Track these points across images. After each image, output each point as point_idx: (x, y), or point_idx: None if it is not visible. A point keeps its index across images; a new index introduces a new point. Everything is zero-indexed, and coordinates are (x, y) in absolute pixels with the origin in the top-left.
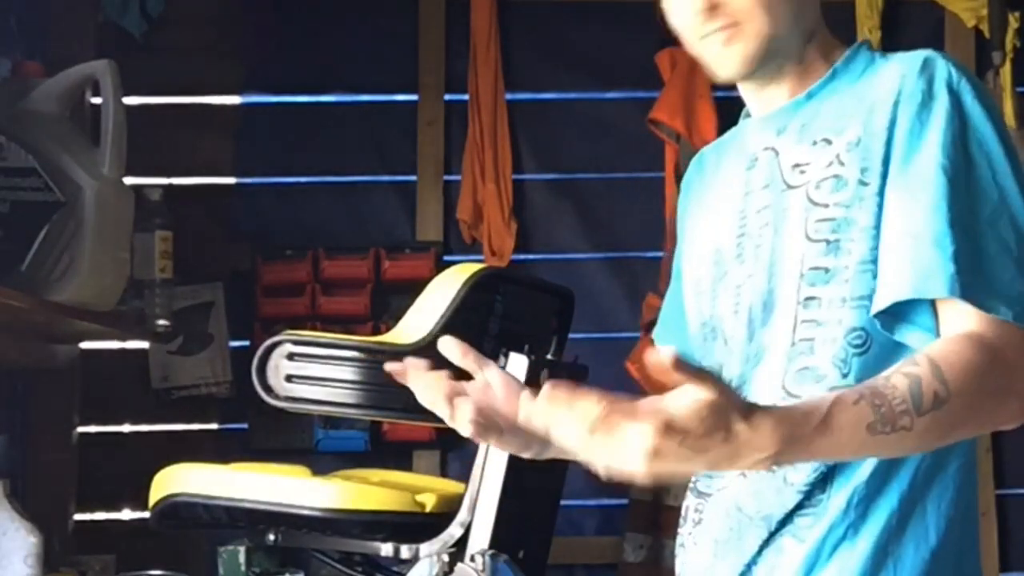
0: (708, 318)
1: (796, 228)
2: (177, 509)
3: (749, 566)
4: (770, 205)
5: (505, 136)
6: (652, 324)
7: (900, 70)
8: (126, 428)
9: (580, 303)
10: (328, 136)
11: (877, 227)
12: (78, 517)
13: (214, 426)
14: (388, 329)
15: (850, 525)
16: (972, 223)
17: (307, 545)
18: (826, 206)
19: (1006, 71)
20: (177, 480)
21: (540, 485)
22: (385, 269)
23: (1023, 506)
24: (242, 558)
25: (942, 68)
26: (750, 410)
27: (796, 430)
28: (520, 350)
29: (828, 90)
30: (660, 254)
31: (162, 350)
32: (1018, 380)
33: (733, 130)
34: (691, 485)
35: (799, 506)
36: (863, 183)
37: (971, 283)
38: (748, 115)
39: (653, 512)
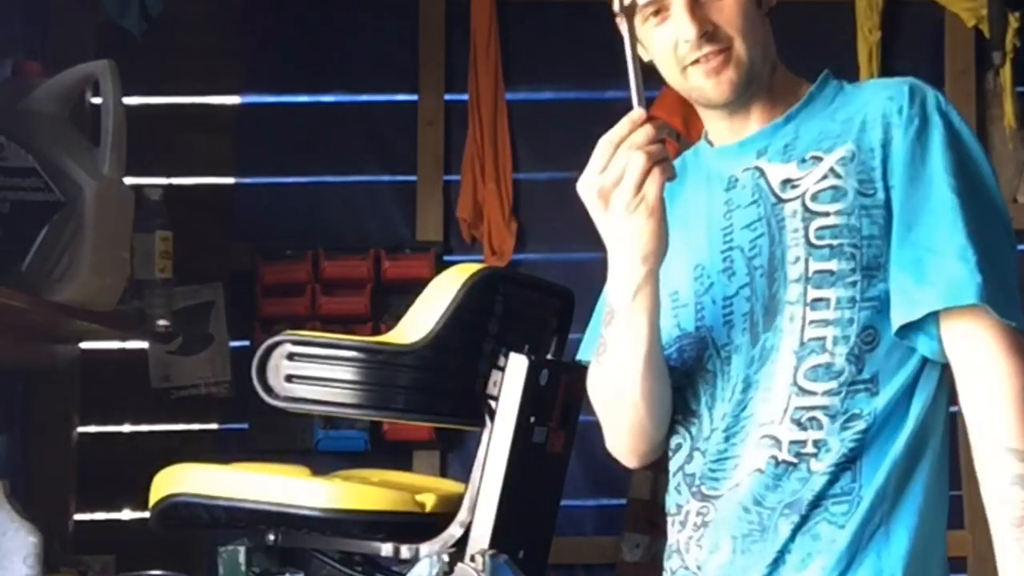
0: (692, 331)
1: (796, 235)
2: (177, 509)
3: (781, 553)
4: (762, 218)
5: (505, 136)
6: None
7: (886, 94)
8: (126, 428)
9: (580, 303)
10: (328, 136)
11: (883, 237)
12: (78, 517)
13: (214, 426)
14: (388, 329)
15: (886, 512)
16: (987, 236)
17: (307, 545)
18: (826, 214)
19: (1006, 71)
20: (177, 480)
21: (540, 485)
22: (385, 269)
23: None
24: (242, 558)
25: (931, 95)
26: None
27: None
28: (520, 350)
29: (806, 113)
30: None
31: (162, 350)
32: None
33: (685, 155)
34: (692, 488)
35: (827, 492)
36: (863, 194)
37: (994, 292)
38: (708, 142)
39: (651, 512)
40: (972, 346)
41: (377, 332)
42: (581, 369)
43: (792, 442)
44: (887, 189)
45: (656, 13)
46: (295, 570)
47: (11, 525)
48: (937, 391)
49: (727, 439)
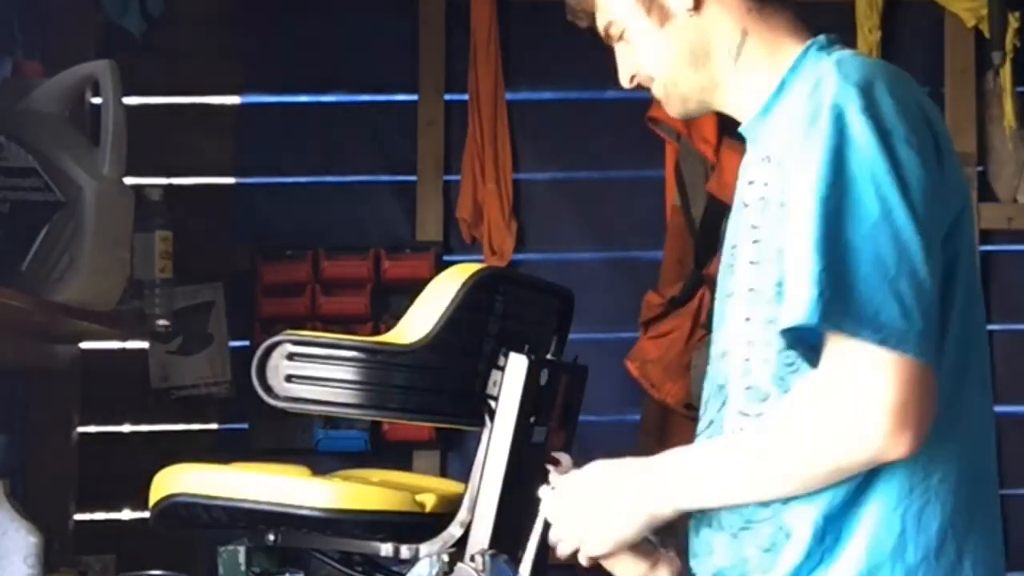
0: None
1: (744, 249)
2: (177, 509)
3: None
4: (737, 223)
5: (505, 136)
6: (651, 323)
7: (803, 89)
8: (126, 428)
9: (580, 303)
10: (328, 136)
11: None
12: (78, 517)
13: (214, 426)
14: (388, 329)
15: (832, 539)
16: (843, 242)
17: (307, 545)
18: (757, 228)
19: (1006, 71)
20: (177, 480)
21: (540, 485)
22: (385, 269)
23: (1023, 506)
24: (242, 558)
25: (830, 86)
26: None
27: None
28: (520, 350)
29: (777, 101)
30: (660, 254)
31: (162, 350)
32: (856, 416)
33: None
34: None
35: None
36: (781, 204)
37: (834, 307)
38: None
39: None
40: (821, 364)
41: (377, 332)
42: (581, 369)
43: None
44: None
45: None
46: (295, 570)
47: (11, 525)
48: None
49: None
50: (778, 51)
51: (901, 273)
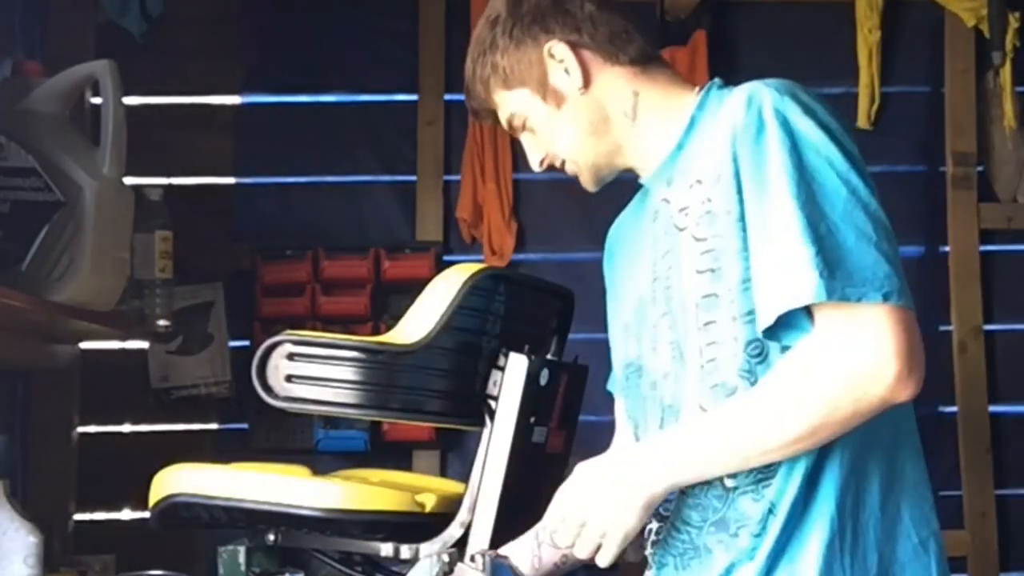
0: (634, 358)
1: (688, 265)
2: (177, 509)
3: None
4: (671, 249)
5: (505, 136)
6: None
7: (732, 106)
8: (126, 428)
9: (580, 303)
10: (328, 136)
11: (743, 251)
12: (78, 517)
13: (214, 426)
14: (388, 329)
15: (797, 519)
16: (825, 224)
17: (307, 545)
18: (705, 239)
19: (1006, 71)
20: (177, 480)
21: (540, 485)
22: (385, 269)
23: (1023, 506)
24: (242, 558)
25: (766, 96)
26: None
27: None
28: (520, 350)
29: (691, 136)
30: None
31: (162, 350)
32: (874, 366)
33: (637, 196)
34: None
35: (746, 507)
36: (728, 212)
37: (833, 283)
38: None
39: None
40: (814, 332)
41: (377, 332)
42: (581, 369)
43: None
44: (742, 202)
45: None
46: (295, 570)
47: (11, 525)
48: None
49: None
50: (671, 100)
51: (881, 237)
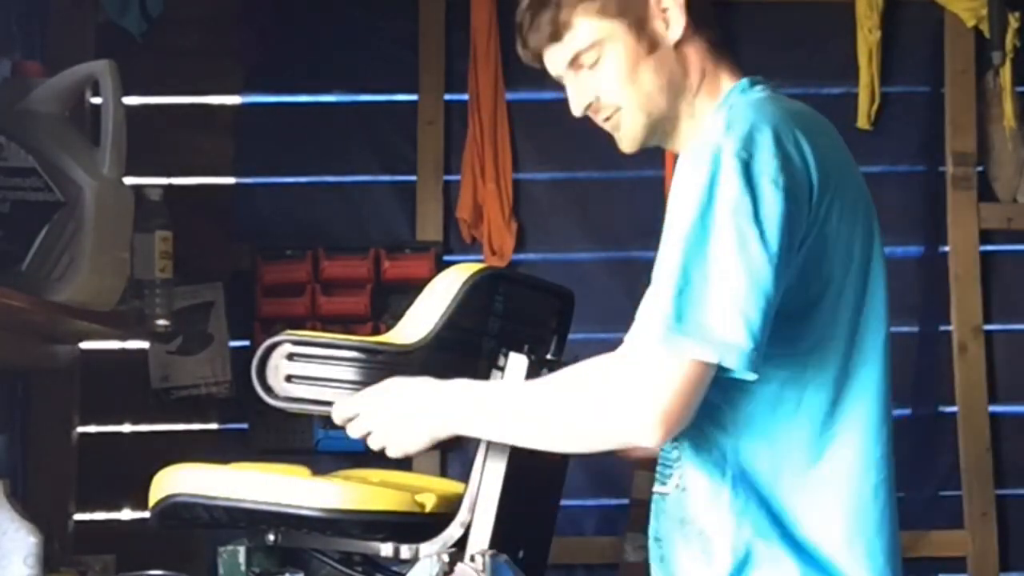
0: None
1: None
2: (177, 509)
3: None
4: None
5: (505, 136)
6: None
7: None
8: (126, 428)
9: (580, 303)
10: (328, 136)
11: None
12: (78, 517)
13: (214, 426)
14: (388, 329)
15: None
16: (704, 268)
17: (307, 545)
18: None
19: (1006, 71)
20: (177, 480)
21: (540, 485)
22: (385, 269)
23: (1023, 506)
24: (242, 558)
25: (715, 130)
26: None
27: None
28: (520, 350)
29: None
30: None
31: (162, 350)
32: (616, 399)
33: None
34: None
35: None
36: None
37: (678, 330)
38: None
39: None
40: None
41: (377, 332)
42: None
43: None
44: None
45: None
46: (295, 570)
47: (11, 525)
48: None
49: None
50: (719, 94)
51: (749, 298)
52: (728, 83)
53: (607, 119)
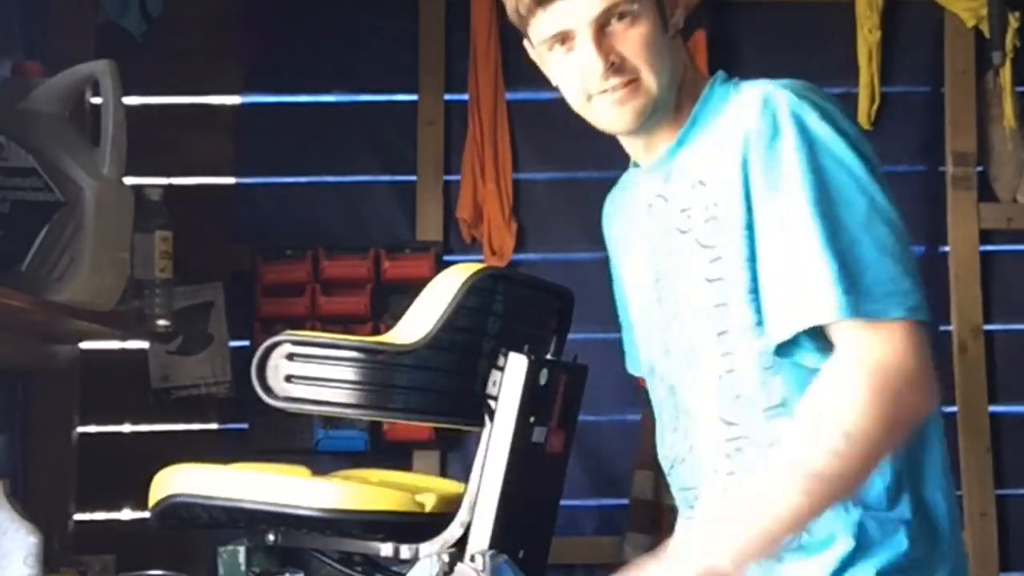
0: (647, 358)
1: (696, 272)
2: (177, 509)
3: None
4: (672, 251)
5: (505, 136)
6: None
7: (743, 108)
8: (126, 428)
9: (580, 303)
10: (328, 136)
11: (751, 259)
12: (78, 517)
13: (214, 426)
14: (388, 329)
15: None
16: (846, 236)
17: (307, 545)
18: (713, 247)
19: (1006, 71)
20: (177, 480)
21: (540, 485)
22: (385, 269)
23: (1023, 506)
24: (242, 558)
25: (782, 100)
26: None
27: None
28: (520, 350)
29: (693, 133)
30: None
31: (162, 350)
32: (907, 383)
33: (623, 177)
34: (683, 508)
35: None
36: (734, 219)
37: (855, 299)
38: (636, 164)
39: (653, 512)
40: (839, 351)
41: (377, 332)
42: (581, 369)
43: (728, 474)
44: (750, 210)
45: (562, 42)
46: (295, 570)
47: (11, 525)
48: None
49: (687, 470)
50: (697, 88)
51: (902, 249)
52: (702, 81)
53: (625, 84)
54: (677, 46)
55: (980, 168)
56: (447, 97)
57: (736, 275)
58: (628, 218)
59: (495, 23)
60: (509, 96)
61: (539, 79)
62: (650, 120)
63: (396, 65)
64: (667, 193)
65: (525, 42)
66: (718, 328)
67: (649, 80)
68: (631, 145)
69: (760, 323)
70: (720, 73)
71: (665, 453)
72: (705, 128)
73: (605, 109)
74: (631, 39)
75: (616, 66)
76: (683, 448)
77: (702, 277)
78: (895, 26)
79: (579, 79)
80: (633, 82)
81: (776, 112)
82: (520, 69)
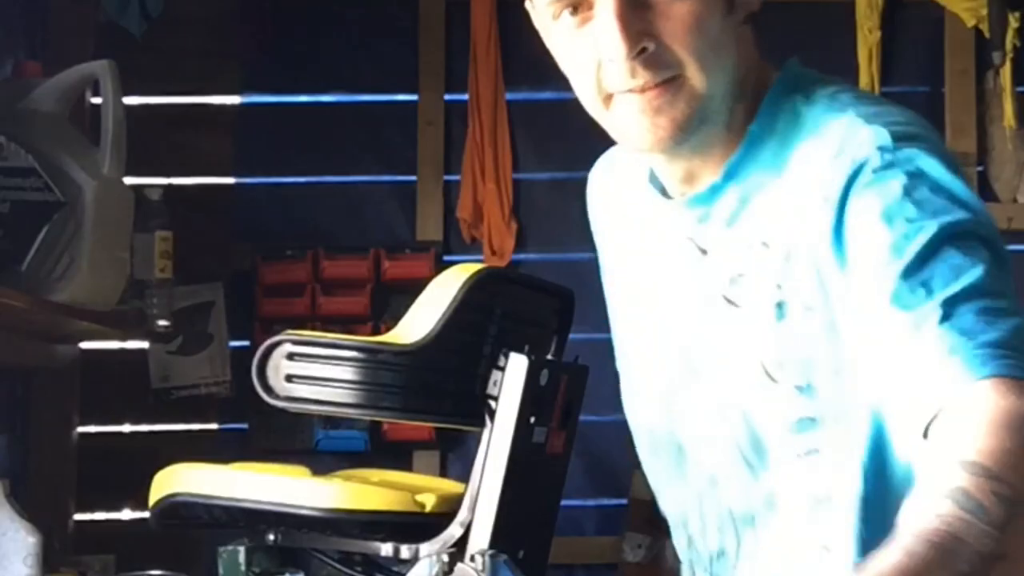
0: (663, 431)
1: (754, 364)
2: (177, 509)
3: None
4: (715, 323)
5: (505, 136)
6: None
7: (831, 149)
8: (126, 428)
9: (580, 303)
10: (328, 136)
11: (840, 367)
12: (78, 517)
13: (214, 426)
14: (388, 329)
15: None
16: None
17: (307, 545)
18: (783, 343)
19: (1006, 71)
20: (177, 480)
21: (540, 485)
22: (385, 269)
23: None
24: (242, 558)
25: (880, 138)
26: None
27: None
28: (520, 350)
29: (749, 166)
30: None
31: (162, 350)
32: None
33: (615, 154)
34: None
35: None
36: (810, 309)
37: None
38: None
39: (653, 512)
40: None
41: (377, 332)
42: (581, 369)
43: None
44: (842, 285)
45: (574, 11)
46: (295, 570)
47: (11, 525)
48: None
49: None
50: (759, 96)
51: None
52: (765, 86)
53: (651, 86)
54: (745, 36)
55: (980, 168)
56: (447, 97)
57: (828, 386)
58: (630, 229)
59: (495, 23)
60: (509, 96)
61: (539, 79)
62: (692, 137)
63: (396, 65)
64: (705, 242)
65: (527, 2)
66: (807, 446)
67: (698, 80)
68: (664, 170)
69: (859, 442)
70: (792, 65)
71: (689, 544)
72: (767, 157)
73: (629, 115)
74: (676, 17)
75: (648, 56)
76: (733, 555)
77: (763, 372)
78: (895, 26)
79: (595, 67)
80: (674, 80)
81: (874, 157)
82: (520, 69)
